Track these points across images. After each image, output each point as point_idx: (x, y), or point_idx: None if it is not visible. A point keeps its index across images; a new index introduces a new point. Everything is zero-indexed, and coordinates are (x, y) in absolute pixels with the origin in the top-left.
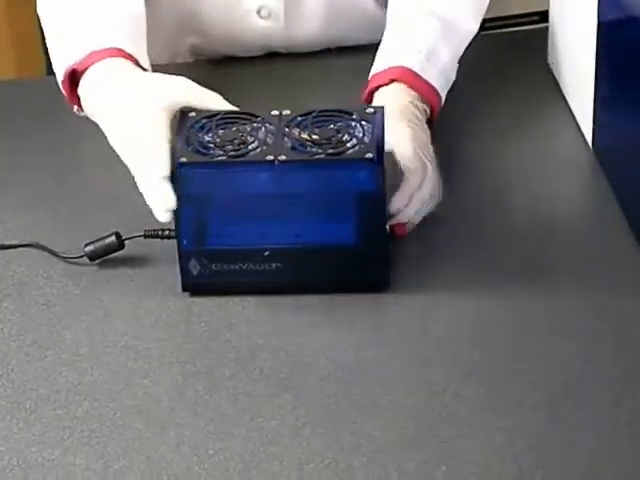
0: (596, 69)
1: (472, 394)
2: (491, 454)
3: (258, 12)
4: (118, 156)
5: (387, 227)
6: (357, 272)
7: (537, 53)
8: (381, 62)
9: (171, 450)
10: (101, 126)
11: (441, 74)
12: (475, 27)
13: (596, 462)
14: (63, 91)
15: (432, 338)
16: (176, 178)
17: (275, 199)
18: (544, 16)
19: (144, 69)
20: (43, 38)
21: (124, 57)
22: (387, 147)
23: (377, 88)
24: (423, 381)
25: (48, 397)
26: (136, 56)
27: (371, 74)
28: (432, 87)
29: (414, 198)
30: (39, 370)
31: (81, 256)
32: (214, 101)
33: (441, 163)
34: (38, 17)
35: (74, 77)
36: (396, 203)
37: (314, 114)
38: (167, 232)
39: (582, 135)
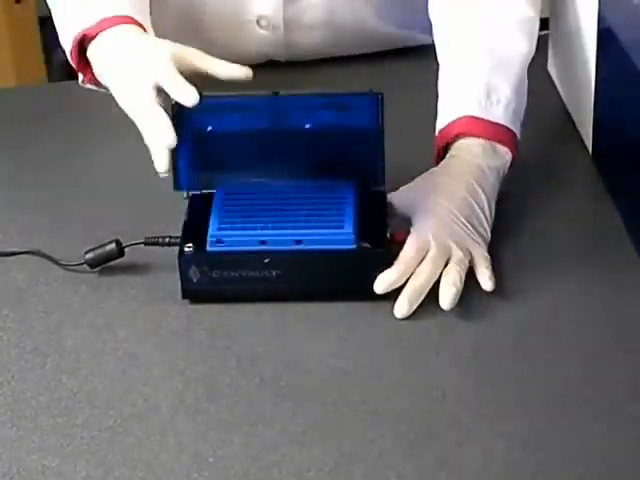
0: (596, 76)
1: (473, 399)
2: (491, 460)
3: (258, 22)
4: (119, 163)
5: (387, 234)
6: (357, 279)
7: (537, 60)
8: (443, 116)
9: (171, 457)
10: (109, 86)
11: (507, 109)
12: (527, 47)
13: (597, 468)
14: (70, 59)
15: (432, 343)
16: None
17: (276, 136)
18: (544, 24)
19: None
20: (43, 45)
21: (135, 24)
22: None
23: (446, 146)
24: (423, 387)
25: (48, 404)
26: (144, 26)
27: (437, 130)
28: (501, 126)
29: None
30: (39, 377)
31: (81, 263)
32: (222, 65)
33: None
34: (38, 23)
35: (82, 45)
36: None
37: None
38: (167, 239)
39: (582, 141)
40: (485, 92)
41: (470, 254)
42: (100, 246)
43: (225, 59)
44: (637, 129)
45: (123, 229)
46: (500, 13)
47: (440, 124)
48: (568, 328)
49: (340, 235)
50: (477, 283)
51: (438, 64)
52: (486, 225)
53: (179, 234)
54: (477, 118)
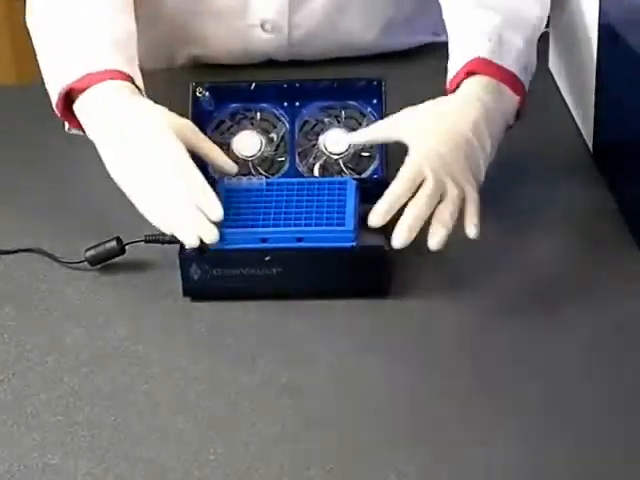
0: (597, 74)
1: (473, 398)
2: (493, 459)
3: (262, 26)
4: None
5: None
6: (357, 277)
7: (538, 58)
8: (454, 61)
9: (172, 455)
10: (104, 156)
11: (518, 60)
12: (540, 13)
13: (599, 468)
14: (55, 108)
15: (432, 343)
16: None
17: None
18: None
19: (138, 88)
20: None
21: (122, 79)
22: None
23: (457, 87)
24: (423, 386)
25: (49, 402)
26: (131, 75)
27: (448, 77)
28: (511, 73)
29: (409, 206)
30: (40, 375)
31: (82, 261)
32: (217, 152)
33: None
34: None
35: (69, 95)
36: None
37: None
38: (168, 237)
39: (583, 139)
40: (497, 41)
41: (464, 193)
42: (101, 244)
43: (227, 61)
44: (638, 126)
45: (124, 227)
46: None
47: (451, 71)
48: (568, 328)
49: (341, 232)
50: (476, 285)
51: (443, 58)
52: (482, 167)
53: None
54: (488, 60)
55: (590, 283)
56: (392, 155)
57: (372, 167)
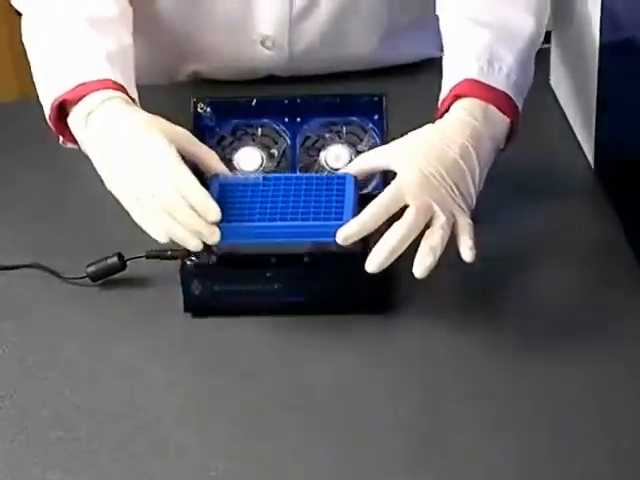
0: (598, 89)
1: (475, 415)
2: (495, 476)
3: (262, 43)
4: None
5: None
6: (358, 292)
7: (540, 73)
8: (444, 83)
9: (173, 471)
10: (98, 168)
11: (508, 78)
12: (535, 27)
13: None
14: (49, 122)
15: (435, 358)
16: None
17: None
18: (546, 37)
19: (132, 99)
20: None
21: (115, 88)
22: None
23: (447, 110)
24: (426, 402)
25: (50, 418)
26: (125, 86)
27: (440, 98)
28: (501, 93)
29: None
30: (41, 391)
31: (83, 277)
32: (213, 158)
33: None
34: None
35: (62, 108)
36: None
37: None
38: (169, 252)
39: (585, 156)
40: (487, 60)
41: (454, 218)
42: (102, 259)
43: (227, 77)
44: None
45: (125, 242)
46: None
47: (442, 93)
48: (569, 342)
49: (339, 227)
50: (479, 299)
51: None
52: (473, 192)
53: (181, 247)
54: (477, 81)
55: (589, 295)
56: (393, 172)
57: (373, 183)
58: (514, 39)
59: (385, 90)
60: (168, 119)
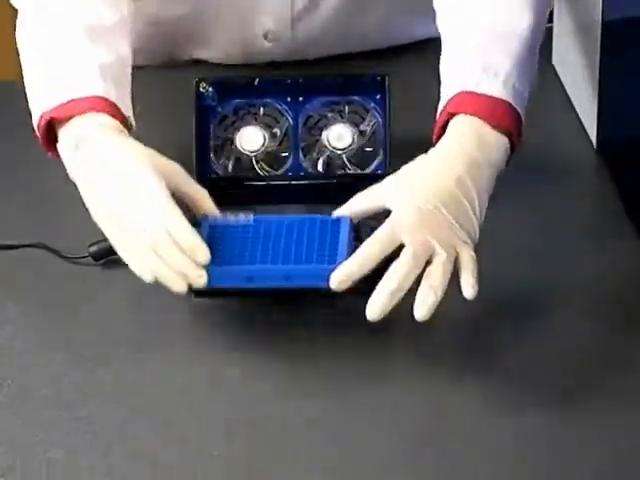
0: (600, 69)
1: (473, 403)
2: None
3: (265, 36)
4: None
5: None
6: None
7: (542, 53)
8: (442, 93)
9: (175, 452)
10: (85, 200)
11: (506, 83)
12: (532, 20)
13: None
14: (37, 133)
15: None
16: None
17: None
18: (549, 17)
19: (125, 117)
20: None
21: (107, 110)
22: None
23: (443, 128)
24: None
25: (52, 397)
26: (119, 103)
27: (438, 110)
28: (499, 101)
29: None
30: (43, 370)
31: (85, 256)
32: (203, 196)
33: None
34: None
35: (51, 123)
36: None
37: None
38: None
39: (586, 135)
40: (481, 67)
41: (456, 253)
42: (104, 239)
43: (227, 61)
44: None
45: None
46: None
47: (440, 104)
48: (567, 324)
49: (332, 271)
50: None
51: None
52: (475, 223)
53: None
54: (471, 93)
55: (591, 276)
56: (396, 150)
57: (375, 162)
58: (509, 39)
59: (388, 70)
60: (169, 100)
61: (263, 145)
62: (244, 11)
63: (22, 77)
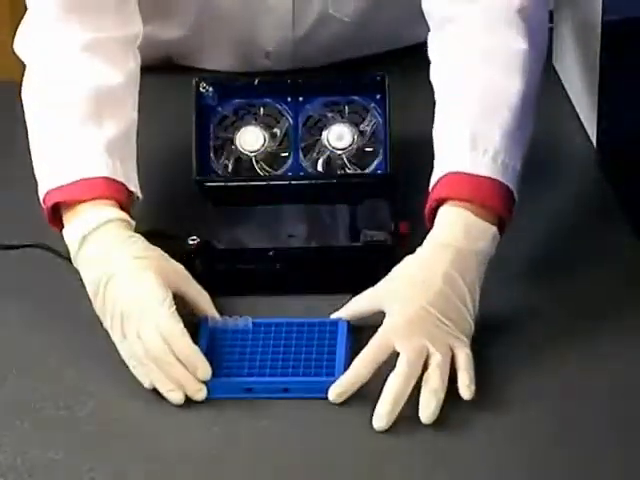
0: (600, 69)
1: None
2: None
3: (266, 56)
4: None
5: (391, 227)
6: (361, 274)
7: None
8: (435, 169)
9: (177, 450)
10: (91, 297)
11: (495, 160)
12: (521, 84)
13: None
14: (43, 207)
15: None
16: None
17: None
18: (549, 17)
19: (130, 192)
20: None
21: (112, 198)
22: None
23: (434, 215)
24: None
25: (52, 397)
26: (125, 181)
27: (430, 184)
28: (489, 181)
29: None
30: (43, 370)
31: None
32: (204, 300)
33: None
34: None
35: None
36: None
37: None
38: (171, 232)
39: (587, 135)
40: (470, 142)
41: (451, 351)
42: None
43: (227, 72)
44: None
45: None
46: (489, 52)
47: (430, 184)
48: (568, 324)
49: (330, 384)
50: None
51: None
52: (468, 317)
53: (183, 227)
54: (461, 174)
55: (591, 281)
56: (396, 150)
57: (375, 162)
58: (498, 109)
59: (388, 70)
60: (168, 100)
61: (263, 145)
62: (245, 33)
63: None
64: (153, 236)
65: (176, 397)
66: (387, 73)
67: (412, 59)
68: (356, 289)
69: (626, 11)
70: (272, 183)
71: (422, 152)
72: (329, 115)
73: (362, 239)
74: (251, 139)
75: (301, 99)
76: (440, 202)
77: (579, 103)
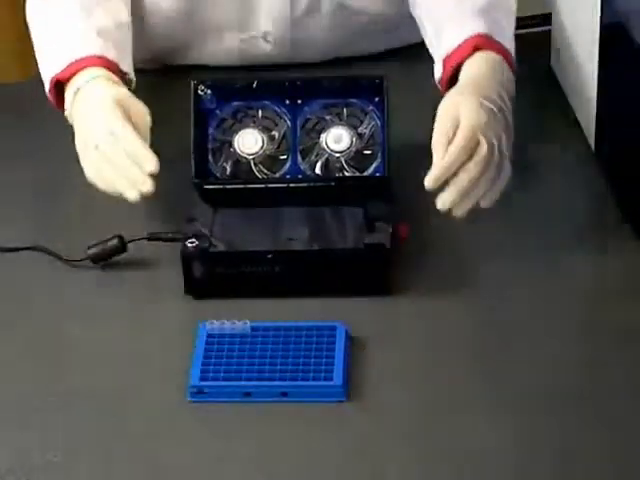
0: (599, 72)
1: (476, 395)
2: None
3: (264, 38)
4: None
5: (389, 230)
6: (360, 275)
7: (540, 55)
8: (451, 39)
9: (174, 454)
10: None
11: (505, 38)
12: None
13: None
14: (50, 97)
15: (435, 342)
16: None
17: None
18: (547, 19)
19: (124, 72)
20: None
21: (103, 65)
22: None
23: (462, 63)
24: (424, 383)
25: (51, 400)
26: (117, 61)
27: (447, 51)
28: (506, 50)
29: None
30: (42, 373)
31: (84, 259)
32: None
33: None
34: None
35: (59, 86)
36: (434, 172)
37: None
38: (170, 235)
39: (584, 137)
40: (491, 20)
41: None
42: (103, 241)
43: (225, 61)
44: None
45: (126, 225)
46: None
47: (447, 49)
48: (568, 325)
49: (329, 388)
50: (478, 283)
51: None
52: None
53: (181, 229)
54: (489, 37)
55: (591, 282)
56: (394, 153)
57: (374, 165)
58: (504, 9)
59: (386, 72)
60: (167, 102)
61: (262, 148)
62: (243, 12)
63: (24, 76)
64: (152, 239)
65: (132, 195)
66: (386, 73)
67: (412, 59)
68: (355, 292)
69: (625, 13)
70: (270, 186)
71: (420, 155)
72: (327, 118)
73: (361, 242)
74: (250, 142)
75: (299, 102)
76: (474, 51)
77: (577, 105)
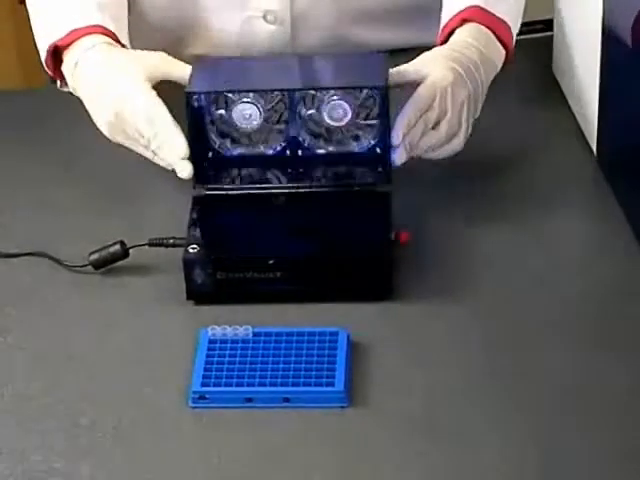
0: (601, 78)
1: (479, 400)
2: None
3: (264, 17)
4: (122, 164)
5: (391, 235)
6: (359, 279)
7: (542, 60)
8: (448, 10)
9: (175, 459)
10: (85, 104)
11: (509, 11)
12: None
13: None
14: (46, 68)
15: (435, 345)
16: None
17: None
18: (549, 25)
19: (123, 45)
20: None
21: (104, 34)
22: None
23: (451, 33)
24: (427, 389)
25: (52, 406)
26: (116, 32)
27: (442, 22)
28: (503, 22)
29: (421, 120)
30: (43, 378)
31: (85, 265)
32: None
33: (442, 168)
34: None
35: (57, 54)
36: (400, 120)
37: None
38: (172, 240)
39: (587, 143)
40: None
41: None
42: (104, 247)
43: (225, 45)
44: None
45: (127, 230)
46: None
47: (444, 19)
48: (570, 330)
49: (331, 393)
50: (479, 287)
51: None
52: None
53: (183, 235)
54: (482, 9)
55: (594, 287)
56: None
57: (374, 137)
58: None
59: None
60: (167, 97)
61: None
62: None
63: (27, 84)
64: (154, 245)
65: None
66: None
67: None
68: (357, 297)
69: (627, 19)
70: (270, 192)
71: (422, 162)
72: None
73: (362, 247)
74: (247, 115)
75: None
76: (461, 23)
77: (579, 111)
